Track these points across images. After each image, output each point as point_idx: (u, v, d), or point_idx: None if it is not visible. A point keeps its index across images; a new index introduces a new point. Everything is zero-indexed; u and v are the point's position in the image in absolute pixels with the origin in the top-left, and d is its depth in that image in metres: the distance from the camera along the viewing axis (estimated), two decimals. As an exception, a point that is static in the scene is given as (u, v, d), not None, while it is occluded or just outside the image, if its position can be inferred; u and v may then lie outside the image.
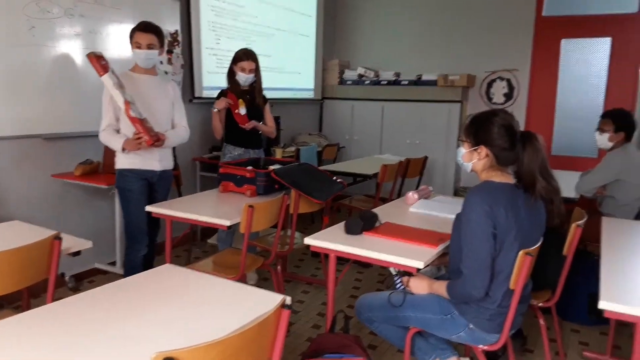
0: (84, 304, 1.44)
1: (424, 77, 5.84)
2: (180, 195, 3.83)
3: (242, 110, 3.46)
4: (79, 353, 1.18)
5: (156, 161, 2.89)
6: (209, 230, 4.32)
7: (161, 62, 3.99)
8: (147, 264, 2.98)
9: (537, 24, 5.48)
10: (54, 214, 3.31)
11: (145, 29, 2.80)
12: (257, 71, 3.51)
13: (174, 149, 3.51)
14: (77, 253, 1.95)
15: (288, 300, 1.33)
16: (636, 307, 1.54)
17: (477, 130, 1.92)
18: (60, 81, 3.24)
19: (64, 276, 3.38)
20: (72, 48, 3.30)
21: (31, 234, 1.84)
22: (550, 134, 5.58)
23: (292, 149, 4.98)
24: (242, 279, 3.17)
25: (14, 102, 3.03)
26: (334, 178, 3.20)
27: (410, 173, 4.56)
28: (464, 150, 1.97)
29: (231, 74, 3.51)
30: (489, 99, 5.84)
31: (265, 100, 3.66)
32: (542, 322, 2.40)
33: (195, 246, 4.32)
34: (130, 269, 2.94)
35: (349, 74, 6.25)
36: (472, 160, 1.95)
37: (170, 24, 4.05)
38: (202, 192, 3.16)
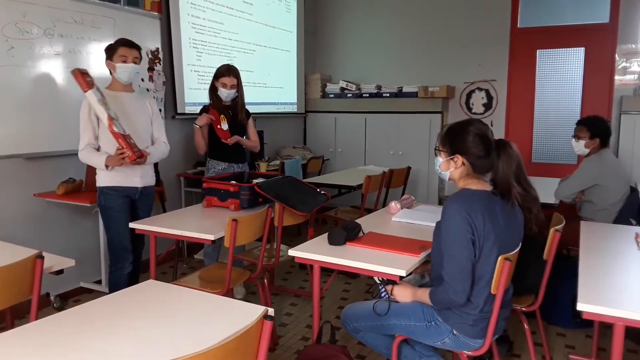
0: (67, 321, 1.43)
1: (405, 89, 5.92)
2: (164, 211, 3.83)
3: (224, 126, 3.48)
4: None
5: (137, 177, 2.89)
6: (195, 245, 4.31)
7: (142, 80, 4.00)
8: (133, 282, 2.95)
9: (513, 35, 5.60)
10: (37, 233, 3.28)
11: (130, 44, 2.83)
12: (239, 86, 3.55)
13: (156, 165, 3.51)
14: (60, 272, 1.94)
15: (271, 311, 1.35)
16: (613, 307, 1.58)
17: (453, 139, 1.97)
18: (40, 100, 3.23)
19: (49, 296, 3.34)
20: (52, 67, 3.30)
21: (13, 254, 1.83)
22: (529, 141, 5.68)
23: (277, 162, 5.00)
24: (230, 294, 3.18)
25: (-6, 122, 3.02)
26: (318, 190, 3.22)
27: (394, 183, 4.60)
28: (441, 159, 2.02)
29: (213, 90, 3.54)
30: (469, 109, 5.94)
31: (248, 115, 3.69)
32: (526, 326, 2.44)
33: (181, 262, 4.30)
34: (115, 287, 2.91)
35: (331, 87, 6.32)
36: (449, 169, 1.99)
37: (151, 42, 4.07)
38: (187, 207, 3.17)
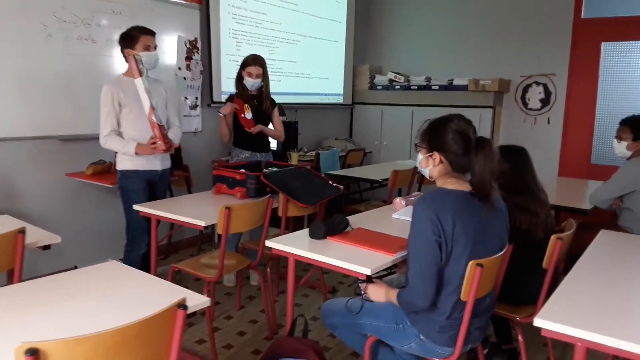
0: (15, 291, 1.54)
1: (456, 82, 5.69)
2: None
3: (248, 115, 3.53)
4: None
5: (158, 161, 3.02)
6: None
7: (179, 68, 4.14)
8: (146, 263, 3.09)
9: (576, 26, 5.20)
10: (67, 211, 3.52)
11: (151, 32, 2.94)
12: (264, 76, 3.57)
13: (179, 150, 3.64)
14: (47, 247, 2.06)
15: (194, 300, 1.35)
16: (574, 327, 1.43)
17: (432, 136, 1.87)
18: (76, 86, 3.44)
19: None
20: (89, 56, 3.50)
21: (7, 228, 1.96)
22: (589, 142, 5.27)
23: (312, 153, 5.00)
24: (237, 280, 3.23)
25: (32, 105, 3.26)
26: (330, 183, 3.19)
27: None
28: (420, 156, 1.92)
29: (239, 79, 3.59)
30: (525, 104, 5.60)
31: (274, 104, 3.72)
32: (520, 338, 2.28)
33: (211, 246, 4.43)
34: (131, 266, 3.06)
35: (380, 79, 6.20)
36: (428, 167, 1.89)
37: (190, 32, 4.20)
38: (197, 193, 3.25)
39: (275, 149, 4.44)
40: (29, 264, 2.04)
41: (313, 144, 5.64)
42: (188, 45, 4.21)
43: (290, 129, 4.69)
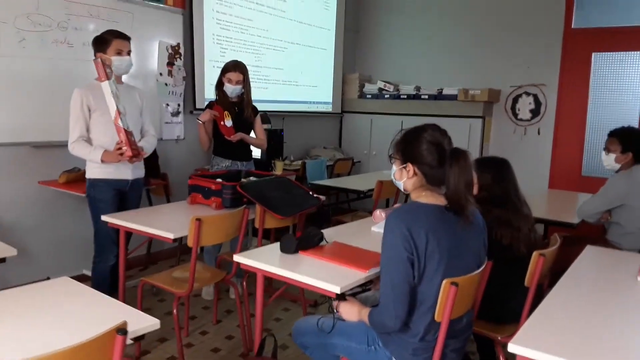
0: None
1: (445, 92, 5.62)
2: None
3: (228, 122, 3.43)
4: None
5: (129, 169, 2.90)
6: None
7: (160, 74, 4.04)
8: (115, 275, 2.96)
9: (566, 36, 5.15)
10: (41, 220, 3.41)
11: (124, 36, 2.85)
12: (245, 83, 3.48)
13: (156, 159, 3.53)
14: (2, 260, 1.95)
15: (137, 325, 1.25)
16: (551, 354, 1.33)
17: (405, 146, 1.78)
18: (50, 91, 3.34)
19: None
20: (64, 60, 3.40)
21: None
22: (580, 153, 5.20)
23: (299, 162, 4.90)
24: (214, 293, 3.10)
25: (4, 110, 3.16)
26: (311, 193, 3.09)
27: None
28: (395, 167, 1.83)
29: (219, 85, 3.50)
30: (515, 114, 5.53)
31: (255, 112, 3.62)
32: (501, 358, 2.17)
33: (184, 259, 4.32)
34: (99, 279, 2.96)
35: (369, 88, 6.13)
36: (402, 179, 1.80)
37: (172, 37, 4.11)
38: (171, 203, 3.14)
39: (260, 157, 4.35)
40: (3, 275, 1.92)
41: (300, 152, 5.54)
42: (170, 51, 4.11)
43: (275, 137, 4.60)
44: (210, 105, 3.51)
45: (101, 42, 2.81)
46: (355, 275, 1.87)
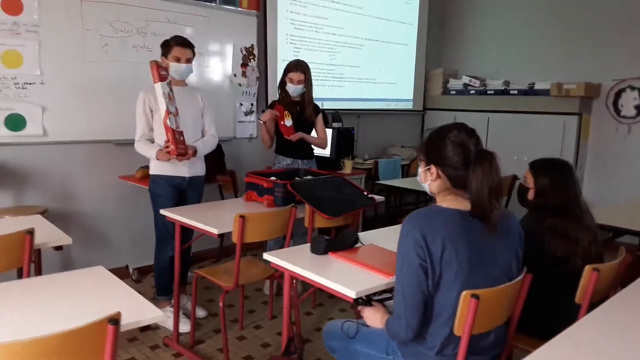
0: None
1: (537, 86, 5.22)
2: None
3: (288, 122, 3.47)
4: None
5: (185, 167, 3.04)
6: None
7: (234, 75, 4.19)
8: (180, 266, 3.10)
9: (680, 21, 4.53)
10: (120, 211, 3.70)
11: (185, 44, 2.97)
12: (306, 82, 3.50)
13: (222, 157, 3.66)
14: (59, 247, 2.14)
15: (132, 316, 1.30)
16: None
17: (429, 147, 1.67)
18: (129, 92, 3.55)
19: (128, 268, 3.73)
20: (143, 63, 3.63)
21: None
22: (695, 154, 4.57)
23: (371, 161, 4.83)
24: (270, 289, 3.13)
25: (91, 110, 3.47)
26: (366, 193, 3.03)
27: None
28: (420, 169, 1.73)
29: (282, 85, 3.55)
30: (617, 111, 4.99)
31: (317, 111, 3.63)
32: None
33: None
34: (159, 269, 3.13)
35: (454, 84, 5.87)
36: (427, 181, 1.69)
37: (247, 39, 4.24)
38: (231, 199, 3.24)
39: (329, 156, 4.35)
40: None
41: (377, 151, 5.46)
42: (244, 52, 4.25)
43: (346, 135, 4.56)
44: (272, 104, 3.57)
45: (165, 47, 2.98)
46: (378, 280, 1.80)
